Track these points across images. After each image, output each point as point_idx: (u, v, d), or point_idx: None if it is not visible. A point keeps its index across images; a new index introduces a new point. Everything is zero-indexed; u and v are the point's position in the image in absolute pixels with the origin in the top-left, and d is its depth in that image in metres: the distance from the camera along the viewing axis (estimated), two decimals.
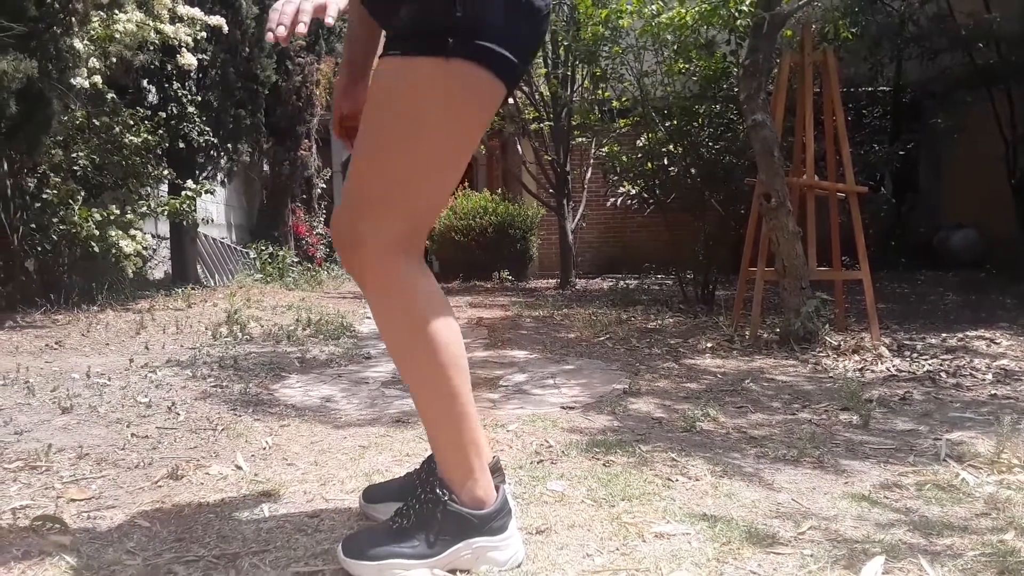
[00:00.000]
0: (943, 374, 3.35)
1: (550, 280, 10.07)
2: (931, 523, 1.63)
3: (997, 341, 4.17)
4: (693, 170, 6.13)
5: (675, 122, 6.24)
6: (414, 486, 1.42)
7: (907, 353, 3.86)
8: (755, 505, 1.73)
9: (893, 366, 3.54)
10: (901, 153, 8.83)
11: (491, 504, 1.37)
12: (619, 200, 7.33)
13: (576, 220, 9.04)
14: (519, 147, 9.94)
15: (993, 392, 2.99)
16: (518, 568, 1.39)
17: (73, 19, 5.11)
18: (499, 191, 11.02)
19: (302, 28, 1.16)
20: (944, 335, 4.42)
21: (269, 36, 1.17)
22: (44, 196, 5.75)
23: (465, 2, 1.26)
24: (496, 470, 1.51)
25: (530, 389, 3.10)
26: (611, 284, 8.86)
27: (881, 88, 9.65)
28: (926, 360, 3.66)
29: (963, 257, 9.42)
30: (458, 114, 1.32)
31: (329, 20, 1.18)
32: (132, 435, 2.31)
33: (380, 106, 1.30)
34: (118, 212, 6.23)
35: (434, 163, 1.32)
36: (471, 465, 1.36)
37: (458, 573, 1.35)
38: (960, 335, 4.39)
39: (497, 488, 1.41)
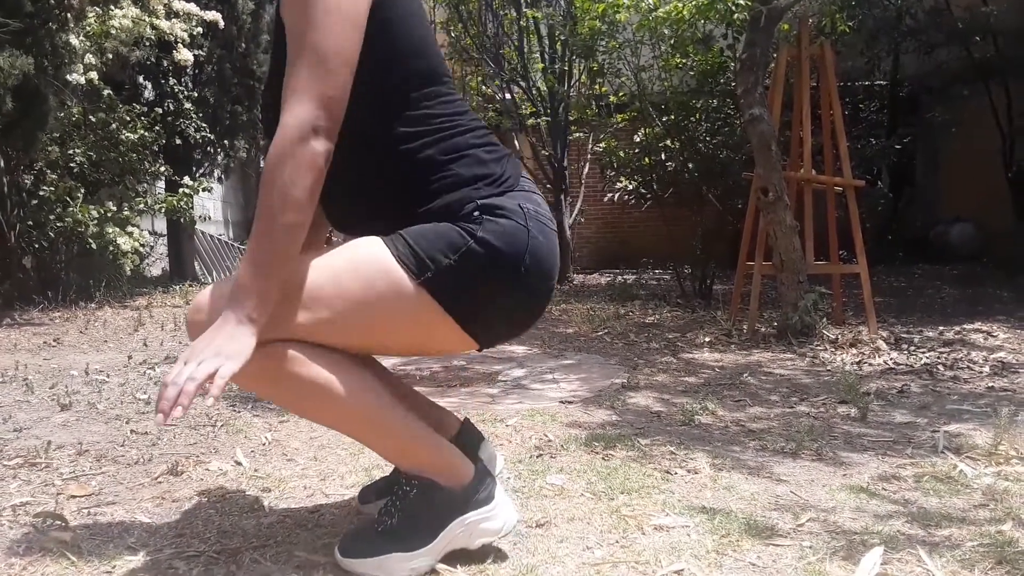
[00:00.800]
0: (941, 367, 3.36)
1: None
2: (929, 514, 1.63)
3: (994, 334, 4.18)
4: (690, 165, 6.12)
5: (672, 117, 6.23)
6: (397, 481, 1.42)
7: (905, 346, 3.87)
8: (754, 497, 1.74)
9: (891, 359, 3.55)
10: (898, 147, 8.83)
11: (470, 477, 1.36)
12: (617, 195, 7.32)
13: (574, 215, 9.03)
14: (516, 142, 9.92)
15: (990, 384, 3.00)
16: (512, 534, 1.41)
17: (69, 15, 5.09)
18: None
19: (179, 412, 1.08)
20: (941, 328, 4.43)
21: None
22: (41, 193, 5.74)
23: (465, 252, 1.25)
24: (468, 431, 1.55)
25: (529, 384, 3.11)
26: (609, 279, 8.86)
27: (878, 82, 9.64)
28: (924, 353, 3.67)
29: (960, 251, 9.43)
30: (402, 331, 1.28)
31: (210, 400, 1.11)
32: (131, 432, 2.31)
33: (339, 263, 1.26)
34: (115, 209, 6.22)
35: (353, 332, 1.27)
36: (432, 456, 1.35)
37: (457, 567, 1.36)
38: (957, 328, 4.40)
39: (475, 461, 1.40)
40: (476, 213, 1.28)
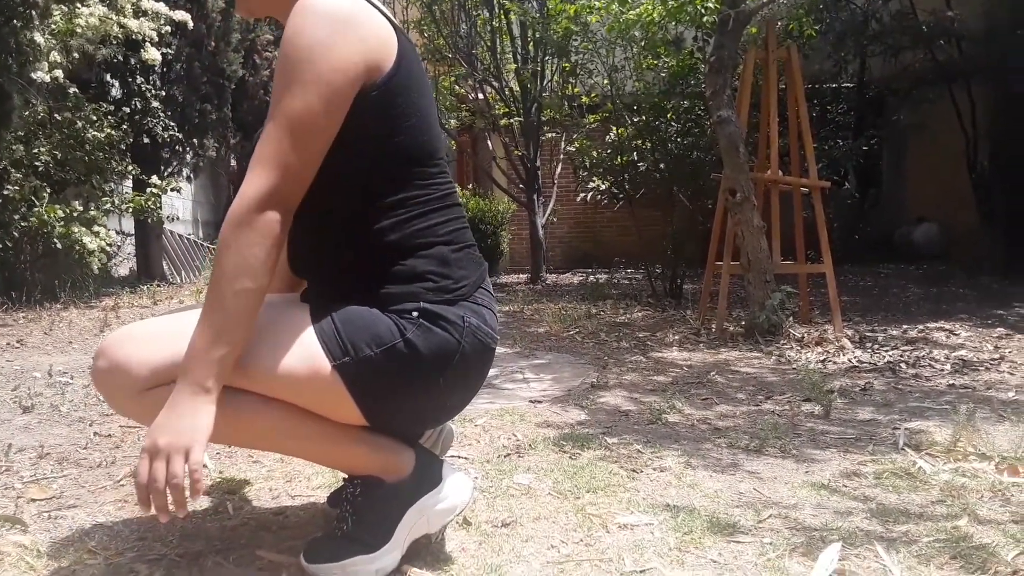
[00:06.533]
0: (903, 365, 3.42)
1: (521, 275, 10.08)
2: (888, 510, 1.67)
3: (956, 332, 4.26)
4: (662, 165, 6.17)
5: (644, 118, 6.28)
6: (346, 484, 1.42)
7: (869, 345, 3.93)
8: (717, 495, 1.76)
9: (855, 357, 3.61)
10: (864, 149, 8.97)
11: (411, 465, 1.36)
12: (589, 195, 7.35)
13: (546, 215, 9.05)
14: (489, 142, 9.94)
15: (951, 382, 3.06)
16: (472, 501, 1.42)
17: (33, 12, 5.02)
18: (470, 186, 11.01)
19: (183, 513, 1.12)
20: (905, 327, 4.50)
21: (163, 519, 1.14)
22: (5, 192, 5.64)
23: (389, 349, 1.23)
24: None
25: (500, 383, 3.12)
26: (581, 279, 8.90)
27: (845, 84, 9.78)
28: (887, 351, 3.73)
29: (925, 251, 9.59)
30: (302, 398, 1.25)
31: (199, 498, 1.09)
32: (95, 434, 2.28)
33: (260, 322, 1.24)
34: (81, 208, 6.13)
35: (254, 387, 1.24)
36: (361, 454, 1.34)
37: (424, 569, 1.36)
38: (920, 327, 4.47)
39: (413, 446, 1.40)
40: (415, 314, 1.26)
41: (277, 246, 1.17)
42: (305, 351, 1.22)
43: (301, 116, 1.17)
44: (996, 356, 3.55)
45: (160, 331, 1.24)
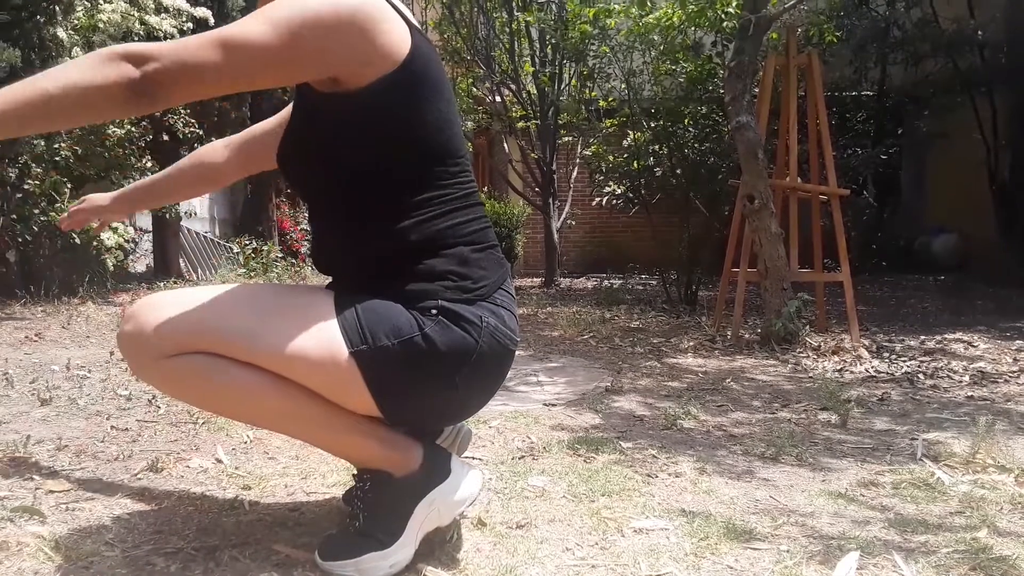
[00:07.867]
0: (921, 375, 3.39)
1: (535, 279, 10.08)
2: (906, 520, 1.65)
3: (975, 344, 4.22)
4: (678, 171, 6.15)
5: (661, 122, 6.26)
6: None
7: (886, 354, 3.90)
8: (733, 501, 1.75)
9: (872, 367, 3.58)
10: (883, 157, 8.90)
11: (420, 458, 1.36)
12: (604, 200, 7.34)
13: (562, 219, 9.04)
14: (506, 145, 9.93)
15: (970, 394, 3.03)
16: (482, 494, 1.45)
17: (57, 8, 5.07)
18: (485, 189, 11.02)
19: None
20: (923, 337, 4.47)
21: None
22: (25, 187, 5.69)
23: (406, 341, 1.24)
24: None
25: (514, 386, 3.11)
26: (595, 283, 8.88)
27: (865, 92, 9.71)
28: (904, 361, 3.70)
29: (944, 261, 9.51)
30: (317, 383, 1.26)
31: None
32: (112, 428, 2.30)
33: (289, 307, 1.28)
34: None
35: (273, 366, 1.25)
36: (372, 446, 1.34)
37: (439, 568, 1.36)
38: (938, 337, 4.44)
39: (421, 441, 1.39)
40: (434, 311, 1.27)
41: (109, 105, 1.12)
42: (325, 335, 1.24)
43: (259, 44, 1.15)
44: (1015, 368, 3.51)
45: (188, 301, 1.25)
